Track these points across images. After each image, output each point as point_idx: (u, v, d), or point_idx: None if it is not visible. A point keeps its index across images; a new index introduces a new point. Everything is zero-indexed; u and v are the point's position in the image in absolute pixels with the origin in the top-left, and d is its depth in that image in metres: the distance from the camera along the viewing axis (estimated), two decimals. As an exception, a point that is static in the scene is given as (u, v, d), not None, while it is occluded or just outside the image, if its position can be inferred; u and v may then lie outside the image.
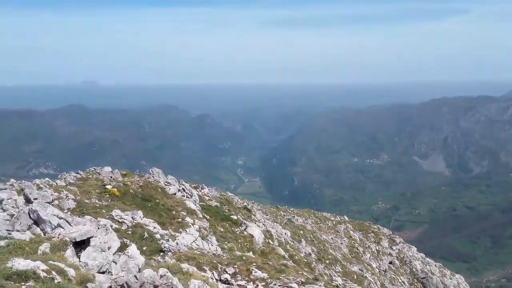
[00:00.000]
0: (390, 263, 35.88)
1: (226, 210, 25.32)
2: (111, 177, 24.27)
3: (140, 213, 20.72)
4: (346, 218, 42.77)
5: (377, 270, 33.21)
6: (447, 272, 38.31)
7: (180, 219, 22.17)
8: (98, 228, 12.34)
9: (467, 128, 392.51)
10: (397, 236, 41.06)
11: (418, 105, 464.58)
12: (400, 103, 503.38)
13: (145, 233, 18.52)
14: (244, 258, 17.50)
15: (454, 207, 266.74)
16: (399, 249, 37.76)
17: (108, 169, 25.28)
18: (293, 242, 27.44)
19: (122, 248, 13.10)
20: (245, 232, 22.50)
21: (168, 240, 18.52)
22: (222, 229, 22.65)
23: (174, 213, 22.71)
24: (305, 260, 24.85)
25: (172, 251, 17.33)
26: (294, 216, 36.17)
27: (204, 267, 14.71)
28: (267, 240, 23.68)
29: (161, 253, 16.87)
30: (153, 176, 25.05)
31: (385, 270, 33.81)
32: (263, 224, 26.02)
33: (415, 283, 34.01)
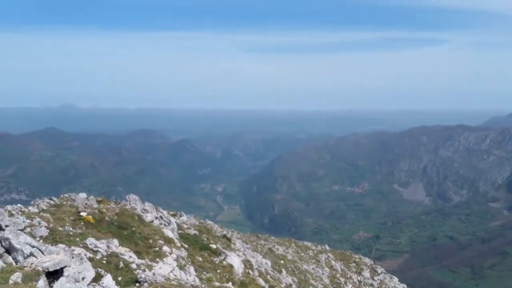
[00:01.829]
0: (372, 293, 35.36)
1: (205, 239, 24.66)
2: (86, 204, 23.51)
3: (115, 241, 19.97)
4: (328, 248, 42.34)
5: (359, 301, 32.65)
6: (429, 303, 37.95)
7: (157, 248, 21.44)
8: (72, 257, 11.82)
9: (446, 157, 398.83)
10: (378, 266, 40.69)
11: (398, 133, 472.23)
12: (380, 131, 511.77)
13: (121, 262, 17.77)
14: (222, 289, 16.86)
15: (434, 236, 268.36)
16: (380, 280, 37.34)
17: (83, 195, 24.49)
18: (274, 272, 26.81)
19: (97, 278, 12.54)
20: (225, 262, 21.85)
21: (144, 270, 17.75)
22: (200, 259, 21.96)
23: (151, 241, 21.99)
24: (286, 291, 24.21)
25: (149, 281, 16.59)
26: (274, 245, 35.57)
27: (181, 299, 14.06)
28: (247, 270, 23.03)
29: (137, 284, 16.15)
30: (129, 203, 24.35)
31: (367, 301, 33.25)
32: (243, 253, 25.39)
33: (396, 314, 33.61)
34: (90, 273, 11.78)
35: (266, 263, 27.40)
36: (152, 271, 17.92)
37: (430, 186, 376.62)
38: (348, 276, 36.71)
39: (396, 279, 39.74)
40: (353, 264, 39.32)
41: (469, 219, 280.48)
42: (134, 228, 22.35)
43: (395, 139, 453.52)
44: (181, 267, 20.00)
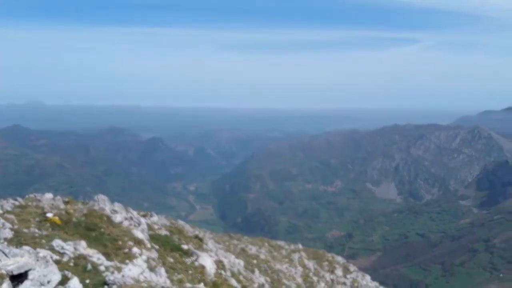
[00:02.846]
0: (344, 292, 35.51)
1: (177, 239, 24.21)
2: (52, 204, 22.74)
3: (83, 243, 19.34)
4: (301, 247, 42.35)
5: (331, 299, 32.72)
6: (400, 300, 38.38)
7: (126, 250, 20.88)
8: (37, 260, 11.39)
9: (417, 156, 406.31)
10: (351, 265, 40.94)
11: (371, 132, 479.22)
12: (353, 130, 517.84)
13: (89, 264, 17.22)
14: (194, 291, 16.50)
15: (406, 234, 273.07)
16: (353, 278, 37.55)
17: (49, 196, 23.69)
18: (246, 272, 26.57)
19: (63, 281, 12.12)
20: (196, 263, 21.48)
21: (113, 272, 17.26)
22: (171, 260, 21.53)
23: (120, 243, 21.40)
24: (259, 291, 23.98)
25: (118, 284, 16.12)
26: (247, 245, 35.33)
27: (151, 302, 13.66)
28: (219, 271, 22.72)
29: (106, 286, 15.67)
30: (98, 204, 23.68)
31: (339, 299, 33.37)
32: (215, 253, 25.04)
33: (368, 312, 33.84)
34: (56, 276, 11.43)
35: (238, 263, 27.12)
36: (121, 273, 17.44)
37: (402, 184, 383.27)
38: (321, 275, 36.77)
39: (368, 277, 40.04)
40: (326, 262, 39.43)
41: (439, 217, 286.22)
42: (102, 229, 21.74)
43: (368, 138, 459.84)
44: (151, 269, 19.56)
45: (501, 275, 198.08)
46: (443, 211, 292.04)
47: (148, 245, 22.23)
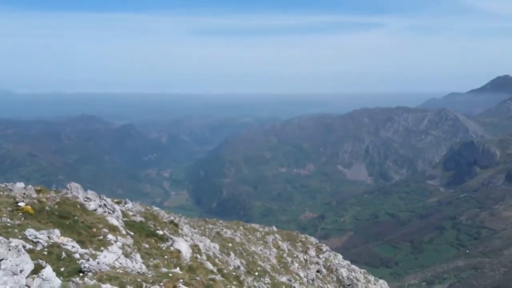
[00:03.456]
0: (318, 271, 36.40)
1: (152, 226, 24.33)
2: (24, 193, 22.46)
3: (57, 231, 19.25)
4: (275, 229, 43.04)
5: (305, 279, 33.53)
6: (371, 278, 39.59)
7: (101, 237, 20.89)
8: (9, 250, 11.29)
9: (386, 138, 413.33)
10: (323, 245, 41.85)
11: (341, 116, 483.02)
12: (324, 114, 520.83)
13: (63, 253, 17.18)
14: (170, 274, 16.77)
15: (376, 214, 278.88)
16: (325, 258, 38.45)
17: (20, 185, 23.38)
18: (222, 255, 26.95)
19: (36, 270, 12.05)
20: (172, 248, 21.70)
21: (88, 260, 17.27)
22: (147, 246, 21.68)
23: (94, 230, 21.38)
24: (234, 274, 24.44)
25: (93, 271, 16.18)
26: (222, 229, 35.71)
27: (128, 287, 13.84)
28: (195, 255, 23.00)
29: (81, 274, 15.71)
30: (71, 192, 23.49)
31: (313, 279, 34.22)
32: (191, 238, 25.30)
33: (341, 290, 34.83)
34: (29, 265, 11.33)
35: (214, 247, 27.45)
36: (97, 260, 17.49)
37: (372, 166, 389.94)
38: (295, 255, 37.52)
39: (340, 256, 41.05)
40: (300, 243, 40.21)
41: (408, 196, 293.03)
42: (76, 217, 21.66)
43: (338, 122, 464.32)
44: (126, 255, 19.65)
45: (467, 251, 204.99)
46: (412, 190, 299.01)
47: (123, 232, 22.27)
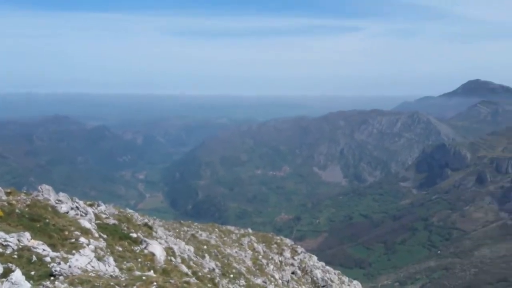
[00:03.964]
0: (293, 273, 36.59)
1: (125, 228, 24.05)
2: (-7, 196, 21.91)
3: (27, 234, 18.85)
4: (250, 231, 43.06)
5: (280, 281, 33.66)
6: (346, 279, 40.00)
7: (73, 240, 20.53)
8: (-22, 253, 11.07)
9: (361, 140, 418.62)
10: (299, 246, 42.09)
11: (317, 118, 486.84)
12: (300, 116, 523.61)
13: (33, 256, 16.82)
14: (144, 278, 16.59)
15: (350, 215, 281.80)
16: (300, 259, 38.67)
17: (-10, 187, 22.80)
18: (197, 258, 26.81)
19: (6, 273, 11.82)
20: (146, 251, 21.48)
21: (59, 263, 16.95)
22: (120, 249, 21.41)
23: (66, 233, 21.01)
24: (209, 276, 24.35)
25: (64, 274, 15.89)
26: (198, 231, 35.54)
27: (100, 291, 13.61)
28: (169, 258, 22.84)
29: (52, 278, 15.40)
30: (42, 194, 23.03)
31: (288, 280, 34.38)
32: (165, 241, 25.10)
33: (316, 292, 35.09)
34: (-2, 269, 11.10)
35: (189, 250, 27.29)
36: (68, 263, 17.18)
37: (346, 168, 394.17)
38: (270, 257, 37.62)
39: (315, 258, 41.34)
40: (275, 245, 40.34)
41: (382, 198, 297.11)
42: (47, 220, 21.25)
43: (314, 124, 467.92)
44: (99, 258, 19.36)
45: (438, 251, 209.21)
46: (385, 192, 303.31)
47: (96, 235, 21.94)
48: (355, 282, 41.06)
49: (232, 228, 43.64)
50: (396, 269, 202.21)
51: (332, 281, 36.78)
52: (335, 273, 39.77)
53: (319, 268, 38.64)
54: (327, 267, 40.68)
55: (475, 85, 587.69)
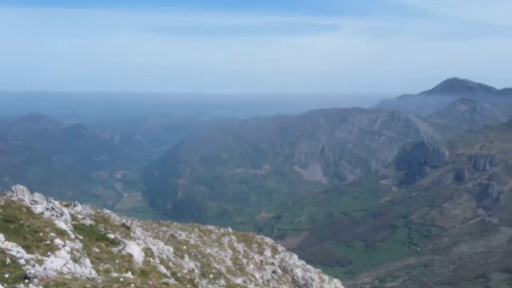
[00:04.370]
0: (273, 272, 36.52)
1: (102, 229, 23.58)
2: (-36, 197, 21.27)
3: (1, 236, 18.30)
4: (230, 230, 42.83)
5: (261, 280, 33.53)
6: (326, 277, 40.08)
7: (48, 241, 20.01)
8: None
9: (341, 138, 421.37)
10: (279, 245, 42.03)
11: (298, 116, 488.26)
12: (281, 114, 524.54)
13: (7, 258, 16.32)
14: (121, 279, 16.24)
15: (331, 213, 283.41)
16: (281, 258, 38.62)
17: (-39, 188, 22.12)
18: (176, 258, 26.49)
19: (-21, 277, 11.39)
20: (124, 252, 21.07)
21: (34, 265, 16.49)
22: (97, 250, 20.96)
23: (41, 235, 20.48)
24: (188, 277, 24.07)
25: (39, 277, 15.46)
26: (177, 231, 35.18)
27: (76, 293, 13.25)
28: (147, 259, 22.48)
29: (26, 280, 14.97)
30: (16, 195, 22.43)
31: (268, 279, 34.27)
32: (144, 241, 24.73)
33: (296, 290, 35.07)
34: (-30, 272, 10.69)
35: (168, 250, 26.96)
36: (43, 265, 16.75)
37: (327, 166, 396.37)
38: (250, 256, 37.46)
39: (295, 256, 41.34)
40: (255, 244, 40.19)
41: (362, 196, 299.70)
42: (22, 221, 20.70)
43: (295, 122, 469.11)
44: (75, 260, 18.92)
45: (418, 249, 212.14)
46: (365, 190, 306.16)
47: (72, 236, 21.47)
48: (335, 280, 41.18)
49: (212, 227, 43.34)
50: (376, 267, 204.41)
51: (312, 279, 36.80)
52: (315, 272, 39.81)
53: (299, 267, 38.62)
54: (308, 266, 40.71)
55: (453, 83, 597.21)
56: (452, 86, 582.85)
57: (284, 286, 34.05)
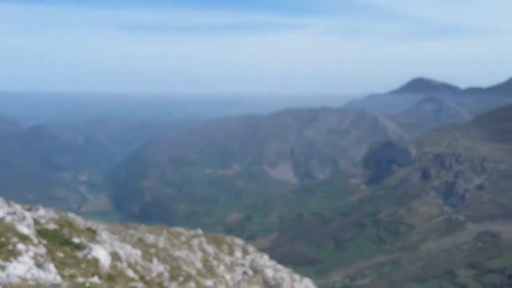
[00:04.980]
0: (244, 273, 36.19)
1: (67, 233, 22.69)
2: None
3: (-43, 243, 17.42)
4: (200, 232, 42.15)
5: (231, 282, 33.15)
6: (297, 277, 39.97)
7: (10, 247, 19.14)
8: None
9: (310, 138, 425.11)
10: (250, 246, 41.71)
11: (267, 116, 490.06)
12: (249, 114, 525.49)
13: (-34, 266, 15.52)
14: (87, 284, 15.65)
15: (301, 213, 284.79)
16: (251, 259, 38.35)
17: None
18: (144, 262, 25.83)
19: None
20: (89, 256, 20.35)
21: (-6, 273, 15.72)
22: (62, 255, 20.18)
23: (3, 240, 19.57)
24: (157, 280, 23.46)
25: (2, 283, 14.73)
26: (145, 234, 34.37)
27: (39, 300, 12.67)
28: (114, 263, 21.75)
29: (-14, 289, 14.26)
30: (-26, 199, 21.46)
31: (239, 281, 33.94)
32: (110, 245, 23.93)
33: (267, 291, 34.88)
34: None
35: (135, 253, 26.25)
36: (6, 272, 16.01)
37: (297, 165, 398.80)
38: (221, 258, 37.01)
39: (266, 257, 41.10)
40: (225, 246, 39.73)
41: (331, 195, 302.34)
42: (-20, 227, 19.80)
43: (264, 122, 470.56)
44: (39, 265, 18.18)
45: (387, 246, 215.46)
46: (335, 189, 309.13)
47: (35, 241, 20.66)
48: (306, 279, 41.15)
49: (181, 229, 42.62)
50: (346, 265, 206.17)
51: (283, 279, 36.67)
52: (286, 272, 39.69)
53: (270, 267, 38.41)
54: (278, 266, 40.54)
55: (419, 83, 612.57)
56: (418, 85, 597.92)
57: (255, 286, 33.79)
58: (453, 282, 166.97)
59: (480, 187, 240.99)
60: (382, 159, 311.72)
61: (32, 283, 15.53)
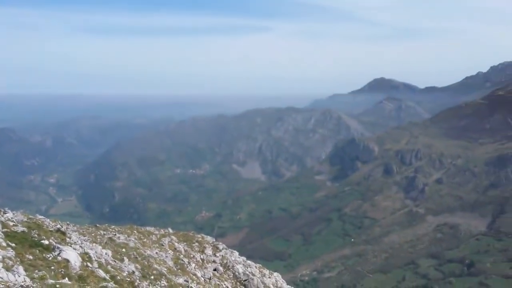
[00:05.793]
0: (215, 270, 36.65)
1: (36, 235, 22.71)
2: None
3: None
4: (171, 231, 42.40)
5: (202, 279, 33.56)
6: (266, 272, 40.71)
7: (-22, 251, 19.14)
8: None
9: (278, 137, 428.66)
10: (220, 243, 42.19)
11: (235, 116, 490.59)
12: (218, 114, 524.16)
13: None
14: (58, 286, 15.94)
15: (270, 210, 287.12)
16: (222, 255, 38.87)
17: None
18: (115, 261, 26.03)
19: None
20: (59, 257, 20.47)
21: (-37, 277, 15.83)
22: (31, 257, 20.24)
23: (-30, 244, 19.54)
24: (128, 279, 23.76)
25: (-32, 289, 14.84)
26: (115, 234, 34.41)
27: (10, 303, 12.87)
28: (85, 263, 21.97)
29: (-46, 293, 14.33)
30: None
31: (210, 277, 34.36)
32: (80, 246, 24.07)
33: (238, 286, 35.34)
34: None
35: (106, 254, 26.38)
36: (-27, 276, 16.05)
37: (265, 164, 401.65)
38: (192, 256, 37.36)
39: (236, 253, 41.64)
40: (196, 243, 40.09)
41: (298, 191, 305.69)
42: None
43: (233, 122, 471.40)
44: (7, 269, 18.23)
45: (352, 240, 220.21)
46: (302, 186, 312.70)
47: (3, 244, 20.58)
48: (275, 274, 41.93)
49: (151, 229, 42.71)
50: (314, 259, 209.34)
51: (253, 274, 37.31)
52: (256, 267, 40.36)
53: (240, 263, 38.99)
54: (249, 262, 41.18)
55: (380, 83, 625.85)
56: (379, 85, 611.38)
57: (226, 282, 34.30)
58: (415, 272, 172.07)
59: (438, 181, 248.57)
60: (346, 157, 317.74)
61: (1, 286, 15.61)
